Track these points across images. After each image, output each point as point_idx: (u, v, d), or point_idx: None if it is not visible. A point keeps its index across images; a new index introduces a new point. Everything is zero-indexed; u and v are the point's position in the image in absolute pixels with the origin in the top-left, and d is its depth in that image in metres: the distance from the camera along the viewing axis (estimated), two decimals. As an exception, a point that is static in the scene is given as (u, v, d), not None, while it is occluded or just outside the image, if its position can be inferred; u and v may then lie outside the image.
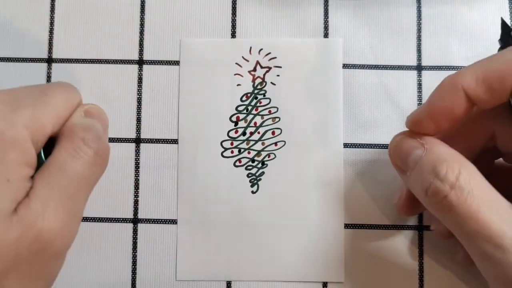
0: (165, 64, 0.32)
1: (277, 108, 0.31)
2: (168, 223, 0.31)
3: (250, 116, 0.31)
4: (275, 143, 0.31)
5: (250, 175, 0.31)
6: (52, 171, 0.24)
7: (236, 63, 0.32)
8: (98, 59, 0.32)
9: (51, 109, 0.25)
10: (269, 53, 0.32)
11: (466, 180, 0.22)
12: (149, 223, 0.31)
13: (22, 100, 0.24)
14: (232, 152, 0.31)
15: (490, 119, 0.26)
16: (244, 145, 0.31)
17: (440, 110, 0.24)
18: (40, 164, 0.25)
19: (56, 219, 0.23)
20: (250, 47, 0.32)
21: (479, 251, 0.21)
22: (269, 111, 0.31)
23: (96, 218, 0.31)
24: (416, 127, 0.25)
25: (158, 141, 0.32)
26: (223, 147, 0.31)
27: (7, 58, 0.32)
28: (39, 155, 0.25)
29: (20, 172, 0.23)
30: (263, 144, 0.31)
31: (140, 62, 0.32)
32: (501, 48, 0.27)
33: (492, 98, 0.23)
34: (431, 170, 0.23)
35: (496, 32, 0.32)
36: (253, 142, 0.31)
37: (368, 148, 0.31)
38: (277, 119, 0.31)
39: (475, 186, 0.22)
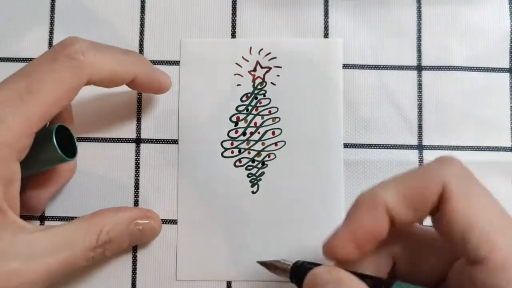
0: (165, 64, 0.32)
1: (277, 108, 0.31)
2: (168, 223, 0.31)
3: (250, 116, 0.31)
4: (275, 143, 0.31)
5: (250, 175, 0.31)
6: None
7: (236, 63, 0.32)
8: (98, 59, 0.32)
9: (34, 108, 0.24)
10: (269, 53, 0.32)
11: None
12: (149, 223, 0.31)
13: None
14: (232, 152, 0.31)
15: (391, 244, 0.23)
16: (244, 145, 0.31)
17: (363, 231, 0.21)
18: (51, 152, 0.26)
19: None
20: (250, 47, 0.32)
21: None
22: (269, 111, 0.31)
23: (96, 218, 0.31)
24: (337, 254, 0.22)
25: (158, 141, 0.32)
26: (223, 147, 0.31)
27: (7, 58, 0.32)
28: (50, 144, 0.26)
29: None
30: (263, 144, 0.31)
31: (140, 62, 0.32)
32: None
33: (413, 217, 0.21)
34: None
35: (496, 32, 0.32)
36: (253, 142, 0.31)
37: (368, 148, 0.31)
38: (277, 119, 0.31)
39: None
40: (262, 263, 0.27)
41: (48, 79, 0.24)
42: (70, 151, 0.27)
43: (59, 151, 0.26)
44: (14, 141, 0.23)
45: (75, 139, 0.28)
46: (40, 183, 0.29)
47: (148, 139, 0.32)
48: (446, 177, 0.21)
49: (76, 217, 0.31)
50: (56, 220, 0.31)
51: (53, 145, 0.26)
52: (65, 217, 0.31)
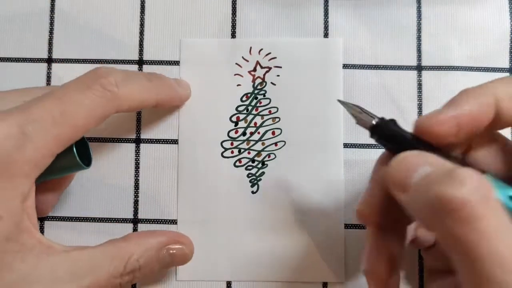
0: (165, 64, 0.32)
1: (277, 108, 0.31)
2: (168, 223, 0.31)
3: (250, 116, 0.31)
4: (275, 143, 0.31)
5: (250, 175, 0.31)
6: None
7: (236, 63, 0.32)
8: (98, 59, 0.32)
9: (65, 131, 0.24)
10: (269, 53, 0.32)
11: (488, 192, 0.18)
12: (149, 223, 0.31)
13: (33, 128, 0.24)
14: (232, 152, 0.31)
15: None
16: (244, 145, 0.31)
17: (468, 114, 0.21)
18: (70, 161, 0.26)
19: None
20: (250, 47, 0.32)
21: (482, 273, 0.17)
22: (269, 111, 0.31)
23: (96, 218, 0.31)
24: (435, 130, 0.21)
25: (158, 141, 0.32)
26: (223, 147, 0.31)
27: (7, 58, 0.32)
28: (70, 153, 0.26)
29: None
30: (263, 144, 0.31)
31: (140, 62, 0.32)
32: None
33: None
34: (446, 177, 0.18)
35: (496, 32, 0.32)
36: (253, 142, 0.31)
37: (368, 148, 0.31)
38: (277, 119, 0.31)
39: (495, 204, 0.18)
40: (343, 103, 0.25)
41: (81, 105, 0.25)
42: (84, 159, 0.27)
43: (78, 160, 0.26)
44: (39, 160, 0.24)
45: (90, 147, 0.28)
46: (48, 188, 0.29)
47: (148, 139, 0.32)
48: None
49: (76, 217, 0.31)
50: (56, 220, 0.31)
51: (73, 154, 0.26)
52: (65, 217, 0.31)
